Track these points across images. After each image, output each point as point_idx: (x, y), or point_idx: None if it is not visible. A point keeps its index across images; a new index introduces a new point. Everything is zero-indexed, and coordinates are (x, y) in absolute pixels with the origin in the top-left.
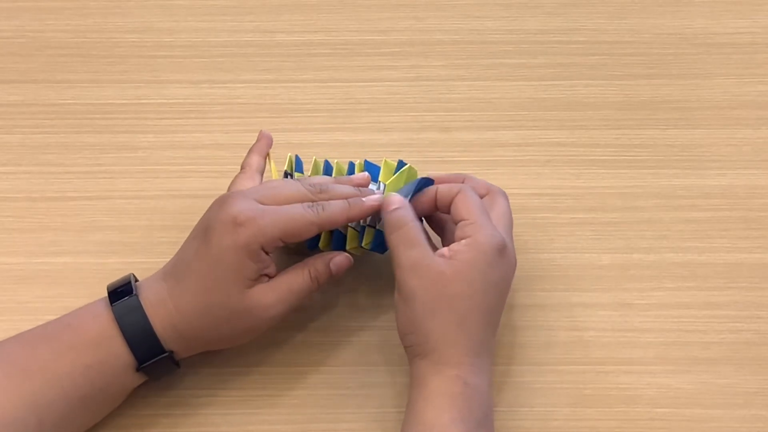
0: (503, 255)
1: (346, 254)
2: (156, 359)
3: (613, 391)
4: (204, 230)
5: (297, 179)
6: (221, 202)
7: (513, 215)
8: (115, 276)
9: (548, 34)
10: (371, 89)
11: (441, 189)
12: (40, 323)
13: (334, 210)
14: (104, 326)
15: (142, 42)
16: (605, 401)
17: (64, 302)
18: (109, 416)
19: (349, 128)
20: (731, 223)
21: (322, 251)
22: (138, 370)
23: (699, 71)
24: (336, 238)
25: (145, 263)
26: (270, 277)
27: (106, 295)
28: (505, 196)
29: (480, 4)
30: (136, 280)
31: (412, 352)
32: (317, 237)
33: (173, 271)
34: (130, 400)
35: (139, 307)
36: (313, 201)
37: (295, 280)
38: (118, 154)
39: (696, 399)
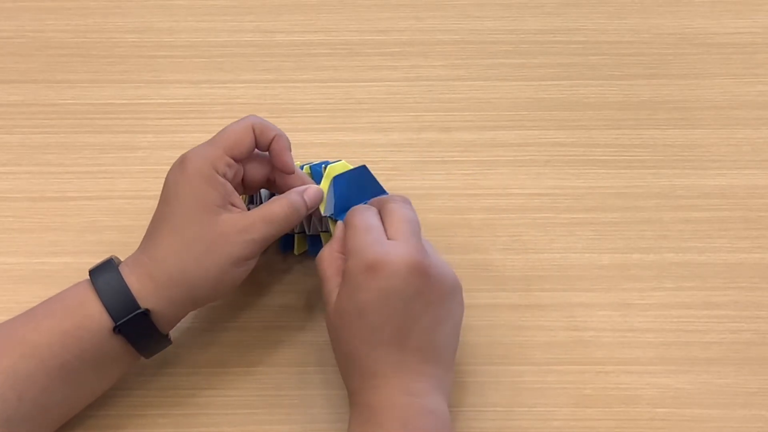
0: (373, 271)
1: (318, 188)
2: (131, 316)
3: (613, 391)
4: (166, 184)
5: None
6: (179, 161)
7: (513, 215)
8: None
9: (548, 34)
10: (371, 89)
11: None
12: None
13: (271, 126)
14: (80, 291)
15: (142, 42)
16: (605, 401)
17: None
18: (108, 416)
19: (349, 128)
20: (731, 223)
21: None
22: (114, 329)
23: (699, 71)
24: (312, 241)
25: None
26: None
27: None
28: (400, 201)
29: (480, 4)
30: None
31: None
32: (291, 240)
33: (147, 234)
34: (131, 400)
35: (114, 267)
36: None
37: (272, 208)
38: (118, 154)
39: (696, 399)
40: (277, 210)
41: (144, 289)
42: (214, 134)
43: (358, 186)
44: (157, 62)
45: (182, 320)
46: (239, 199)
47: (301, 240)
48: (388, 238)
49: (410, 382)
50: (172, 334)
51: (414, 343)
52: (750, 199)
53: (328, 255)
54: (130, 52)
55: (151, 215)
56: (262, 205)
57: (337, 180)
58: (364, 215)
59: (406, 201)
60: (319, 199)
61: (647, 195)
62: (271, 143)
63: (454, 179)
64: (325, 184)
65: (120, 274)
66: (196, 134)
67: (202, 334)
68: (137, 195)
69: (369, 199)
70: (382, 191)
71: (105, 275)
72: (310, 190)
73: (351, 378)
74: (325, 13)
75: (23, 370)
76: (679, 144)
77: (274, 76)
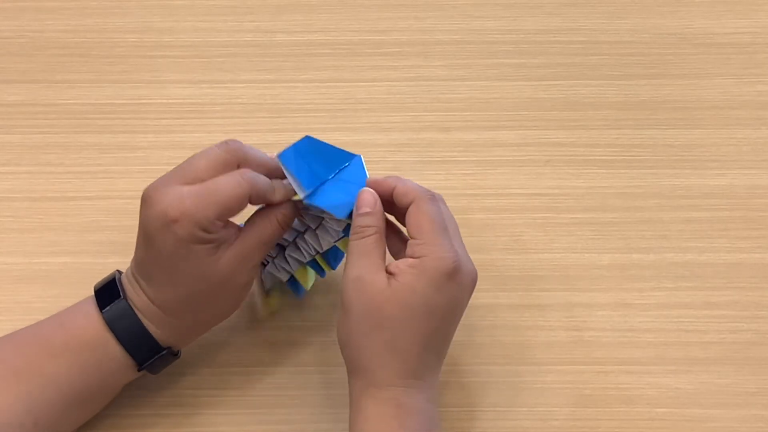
0: (453, 278)
1: (280, 182)
2: (157, 357)
3: (613, 391)
4: (145, 236)
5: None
6: (146, 199)
7: (513, 215)
8: None
9: (548, 34)
10: (371, 89)
11: (398, 191)
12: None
13: (260, 179)
14: (97, 329)
15: (142, 42)
16: (605, 401)
17: (64, 302)
18: (108, 416)
19: (349, 128)
20: (731, 223)
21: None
22: (140, 370)
23: (699, 71)
24: (315, 268)
25: None
26: (232, 232)
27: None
28: (435, 201)
29: (480, 4)
30: (120, 273)
31: (348, 368)
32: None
33: (140, 273)
34: (130, 401)
35: (130, 310)
36: (234, 166)
37: (263, 231)
38: (118, 154)
39: (696, 399)
40: (268, 230)
41: (163, 333)
42: (214, 134)
43: (316, 156)
44: (157, 62)
45: None
46: (229, 228)
47: (303, 273)
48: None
49: (433, 390)
50: None
51: (444, 353)
52: (750, 199)
53: (377, 237)
54: (130, 52)
55: None
56: (250, 225)
57: (284, 156)
58: (437, 209)
59: (441, 201)
60: (286, 192)
61: (647, 195)
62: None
63: (454, 179)
64: None
65: (139, 320)
66: (195, 134)
67: (202, 335)
68: (137, 195)
69: (340, 167)
70: (346, 154)
71: (123, 321)
72: (278, 189)
73: (384, 370)
74: (325, 13)
75: (41, 398)
76: (679, 144)
77: (274, 76)
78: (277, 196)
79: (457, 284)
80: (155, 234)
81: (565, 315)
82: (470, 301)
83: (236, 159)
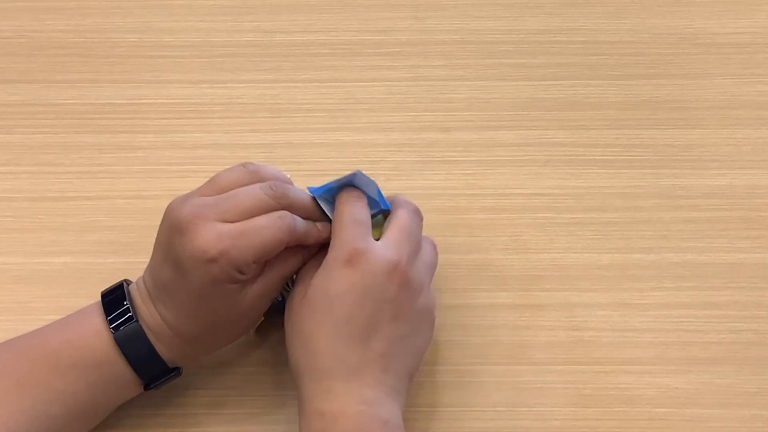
0: (350, 264)
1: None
2: (167, 378)
3: (613, 391)
4: (176, 264)
5: (255, 184)
6: (181, 229)
7: (513, 215)
8: (116, 276)
9: (548, 34)
10: (371, 89)
11: (338, 198)
12: (40, 323)
13: (299, 224)
14: (106, 348)
15: (142, 42)
16: (605, 401)
17: (64, 302)
18: (108, 416)
19: (349, 128)
20: (731, 223)
21: None
22: (147, 389)
23: (699, 71)
24: None
25: (144, 263)
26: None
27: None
28: (408, 209)
29: (480, 4)
30: (128, 284)
31: None
32: None
33: (158, 295)
34: (130, 401)
35: (141, 332)
36: (275, 208)
37: (288, 268)
38: (118, 154)
39: (696, 399)
40: (292, 267)
41: (173, 356)
42: (214, 134)
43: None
44: (157, 62)
45: None
46: (255, 266)
47: None
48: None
49: (366, 389)
50: None
51: (376, 348)
52: (750, 199)
53: (316, 261)
54: (130, 52)
55: (151, 215)
56: (277, 261)
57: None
58: (354, 207)
59: (416, 212)
60: (320, 235)
61: (647, 195)
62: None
63: (454, 179)
64: None
65: (151, 346)
66: (196, 134)
67: None
68: (137, 195)
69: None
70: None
71: (134, 344)
72: (312, 233)
73: (305, 378)
74: (325, 13)
75: (46, 412)
76: (679, 144)
77: (274, 76)
78: (311, 239)
79: (357, 269)
80: (190, 268)
81: (565, 315)
82: (470, 301)
83: (280, 206)
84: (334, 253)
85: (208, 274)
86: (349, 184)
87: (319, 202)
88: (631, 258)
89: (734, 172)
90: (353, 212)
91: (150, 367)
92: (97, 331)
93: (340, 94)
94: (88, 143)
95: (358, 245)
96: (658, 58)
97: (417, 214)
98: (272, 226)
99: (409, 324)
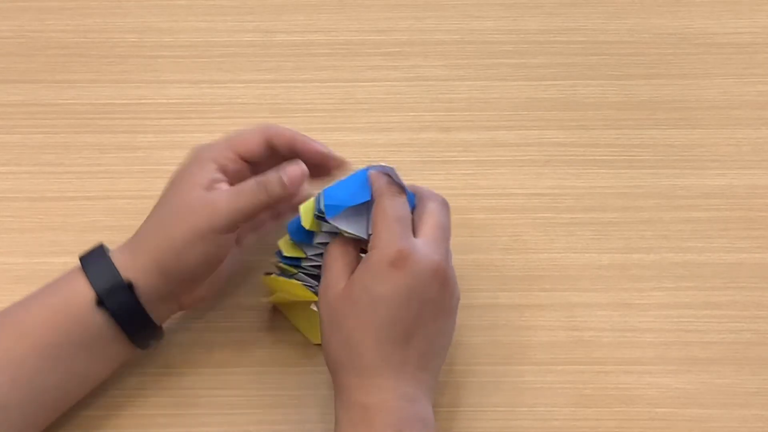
0: (397, 266)
1: (301, 164)
2: (111, 286)
3: (613, 391)
4: (169, 182)
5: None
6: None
7: (513, 215)
8: None
9: (548, 34)
10: (371, 89)
11: (377, 190)
12: None
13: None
14: (71, 272)
15: (142, 42)
16: (605, 401)
17: None
18: (108, 416)
19: (349, 128)
20: (731, 223)
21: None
22: (98, 303)
23: (699, 71)
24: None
25: None
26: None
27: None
28: (438, 201)
29: (480, 4)
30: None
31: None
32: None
33: (141, 228)
34: (131, 400)
35: (101, 245)
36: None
37: (241, 185)
38: (118, 154)
39: (696, 399)
40: (246, 187)
41: (124, 260)
42: (214, 134)
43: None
44: (157, 62)
45: (182, 321)
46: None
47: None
48: (416, 236)
49: (407, 387)
50: (173, 335)
51: (417, 347)
52: (750, 199)
53: (341, 245)
54: (130, 52)
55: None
56: (240, 184)
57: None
58: (395, 203)
59: (445, 205)
60: (300, 177)
61: (647, 195)
62: (291, 143)
63: (454, 179)
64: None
65: (104, 249)
66: (196, 134)
67: (202, 334)
68: (137, 195)
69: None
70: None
71: (92, 252)
72: (289, 166)
73: (345, 372)
74: (325, 13)
75: (16, 352)
76: (679, 144)
77: (274, 76)
78: (288, 178)
79: (403, 272)
80: (175, 179)
81: (565, 315)
82: (470, 301)
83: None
84: (378, 253)
85: (187, 158)
86: (362, 181)
87: (330, 221)
88: (631, 258)
89: (734, 172)
90: (396, 208)
91: (101, 271)
92: (78, 288)
93: (340, 94)
94: (88, 143)
95: (402, 246)
96: (658, 58)
97: (446, 206)
98: (255, 127)
99: (449, 319)
